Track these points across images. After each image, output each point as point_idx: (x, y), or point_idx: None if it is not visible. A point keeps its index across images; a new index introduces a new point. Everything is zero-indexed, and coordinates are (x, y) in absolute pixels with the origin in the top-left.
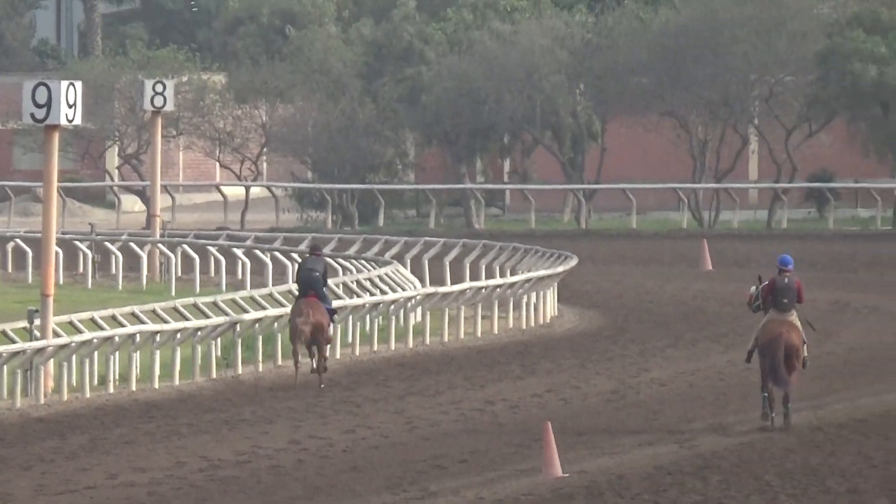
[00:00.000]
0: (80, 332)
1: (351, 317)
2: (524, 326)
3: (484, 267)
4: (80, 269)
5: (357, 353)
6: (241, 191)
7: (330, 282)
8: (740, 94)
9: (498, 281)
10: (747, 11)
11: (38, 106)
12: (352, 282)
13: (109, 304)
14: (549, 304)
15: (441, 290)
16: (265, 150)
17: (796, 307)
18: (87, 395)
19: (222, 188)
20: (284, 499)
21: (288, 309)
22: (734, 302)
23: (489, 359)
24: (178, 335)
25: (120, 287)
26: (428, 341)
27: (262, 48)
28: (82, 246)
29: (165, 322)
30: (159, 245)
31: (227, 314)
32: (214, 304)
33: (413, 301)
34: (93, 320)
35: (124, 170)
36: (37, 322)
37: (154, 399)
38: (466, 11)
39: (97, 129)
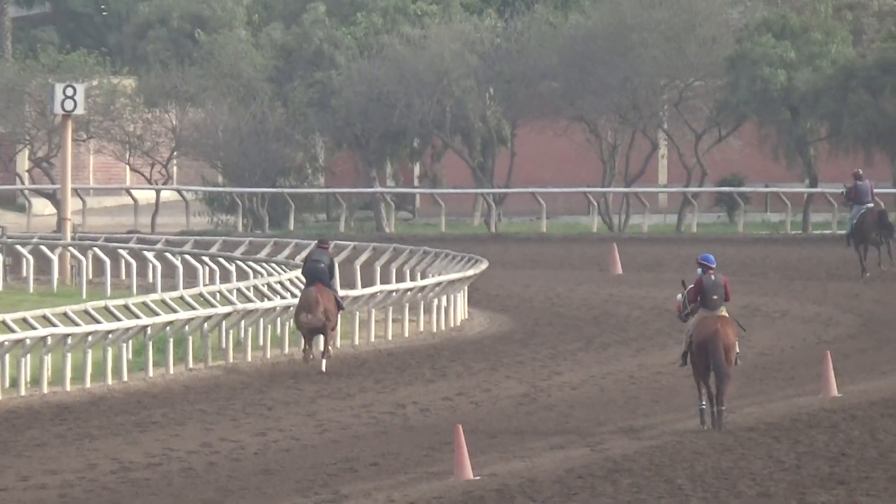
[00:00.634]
0: None
1: (262, 320)
2: (435, 330)
3: (394, 270)
4: None
5: (268, 355)
6: (151, 194)
7: (240, 285)
8: (650, 98)
9: (408, 284)
10: (656, 16)
11: None
12: (263, 285)
13: (20, 307)
14: (460, 308)
15: (352, 293)
16: (175, 153)
17: (724, 305)
18: None
19: (133, 192)
20: (196, 501)
21: (198, 311)
22: (644, 306)
23: (400, 362)
24: (90, 338)
25: (31, 290)
26: (339, 344)
27: (172, 52)
28: None
29: (77, 325)
30: (70, 248)
31: (138, 317)
32: (125, 307)
33: None
34: (3, 323)
35: (35, 173)
36: None
37: (65, 402)
38: (376, 16)
39: (7, 133)
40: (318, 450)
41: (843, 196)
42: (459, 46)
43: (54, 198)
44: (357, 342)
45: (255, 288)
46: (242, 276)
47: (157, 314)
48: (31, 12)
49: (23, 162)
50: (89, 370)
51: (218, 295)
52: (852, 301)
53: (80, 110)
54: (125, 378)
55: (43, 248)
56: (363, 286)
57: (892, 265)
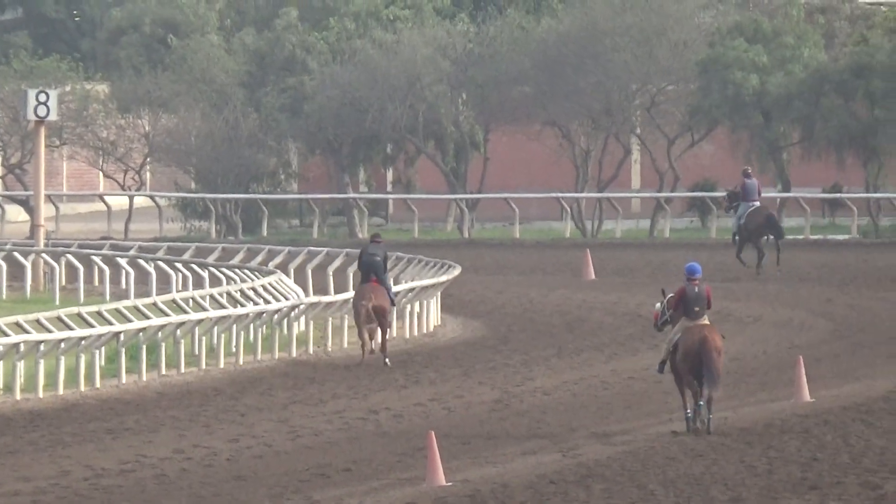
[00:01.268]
0: None
1: (235, 326)
2: (408, 336)
3: None
4: None
5: (241, 362)
6: (124, 200)
7: (213, 291)
8: (622, 103)
9: None
10: (628, 20)
11: None
12: (236, 291)
13: None
14: (433, 314)
15: (325, 299)
16: (148, 159)
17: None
18: None
19: (106, 198)
20: None
21: (172, 318)
22: (617, 312)
23: (373, 368)
24: (63, 344)
25: (4, 296)
26: (311, 350)
27: (144, 58)
28: None
29: (50, 331)
30: (43, 255)
31: (111, 323)
32: (98, 313)
33: (297, 310)
34: None
35: (8, 179)
36: None
37: (38, 408)
38: (348, 21)
39: None
40: (290, 456)
41: (725, 200)
42: (432, 51)
43: (27, 204)
44: (330, 348)
45: (229, 294)
46: (215, 282)
47: (130, 321)
48: (4, 17)
49: None
50: (62, 377)
51: (191, 301)
52: (825, 306)
53: (53, 116)
54: (98, 385)
55: (16, 254)
56: (336, 292)
57: (778, 269)
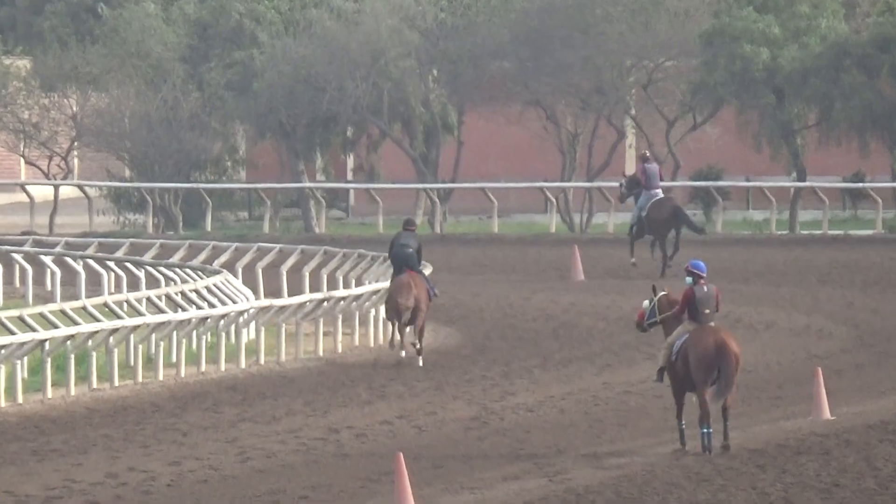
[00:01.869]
0: None
1: (176, 333)
2: (372, 344)
3: (325, 277)
4: None
5: (183, 374)
6: (49, 190)
7: (151, 293)
8: (615, 80)
9: (342, 292)
10: None
11: None
12: (176, 293)
13: None
14: None
15: (277, 302)
16: (76, 144)
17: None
18: None
19: (28, 188)
20: None
21: (103, 324)
22: (610, 317)
23: (332, 381)
24: None
25: None
26: (263, 361)
27: (71, 29)
28: None
29: None
30: None
31: (34, 330)
32: (20, 318)
33: (245, 315)
34: None
35: None
36: None
37: None
38: None
39: None
40: (239, 481)
41: (621, 187)
42: (398, 21)
43: None
44: (284, 358)
45: (168, 297)
46: (153, 283)
47: (56, 327)
48: None
49: None
50: None
51: (125, 305)
52: (846, 311)
53: None
54: (20, 400)
55: None
56: (290, 295)
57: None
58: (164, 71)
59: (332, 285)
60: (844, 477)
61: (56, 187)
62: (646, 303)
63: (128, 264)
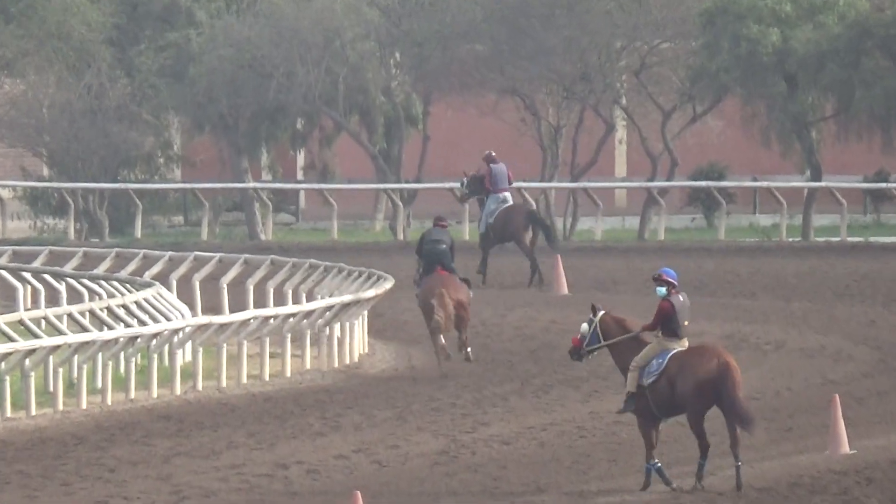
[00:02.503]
0: None
1: (101, 355)
2: (325, 367)
3: (272, 290)
4: None
5: (109, 401)
6: None
7: (72, 309)
8: (603, 65)
9: (290, 308)
10: None
11: None
12: (102, 309)
13: None
14: (358, 339)
15: (217, 320)
16: None
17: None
18: None
19: None
20: None
21: (18, 343)
22: None
23: (280, 409)
24: None
25: None
26: (200, 387)
27: None
28: None
29: None
30: None
31: None
32: None
33: (181, 334)
34: None
35: None
36: None
37: None
38: None
39: None
40: None
41: (461, 189)
42: None
43: None
44: (224, 384)
45: (92, 313)
46: (75, 297)
47: None
48: None
49: None
50: None
51: (43, 322)
52: (867, 329)
53: None
54: None
55: None
56: (231, 311)
57: (543, 285)
58: (88, 55)
59: (280, 300)
60: None
61: None
62: (584, 326)
63: (46, 276)
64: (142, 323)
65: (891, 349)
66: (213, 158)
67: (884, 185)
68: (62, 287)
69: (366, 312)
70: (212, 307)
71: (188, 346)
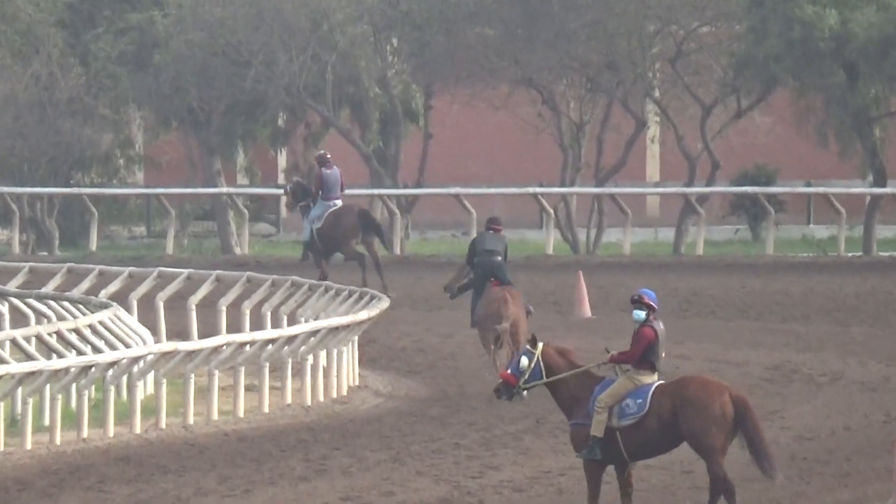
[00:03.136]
0: None
1: (50, 387)
2: (309, 402)
3: (248, 312)
4: None
5: (58, 441)
6: None
7: (16, 334)
8: (633, 53)
9: (269, 333)
10: None
11: None
12: (50, 333)
13: None
14: (347, 369)
15: (184, 346)
16: None
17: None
18: None
19: None
20: None
21: None
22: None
23: (257, 451)
24: None
25: None
26: (164, 424)
27: None
28: None
29: None
30: None
31: None
32: None
33: (142, 363)
34: None
35: None
36: None
37: None
38: None
39: None
40: None
41: (287, 195)
42: None
43: None
44: (192, 421)
45: (40, 338)
46: (20, 320)
47: None
48: None
49: None
50: None
51: None
52: None
53: None
54: None
55: None
56: (201, 336)
57: (385, 285)
58: (37, 39)
59: (258, 323)
60: None
61: None
62: (524, 360)
63: None
64: (97, 350)
65: None
66: (181, 159)
67: None
68: (5, 308)
69: (356, 338)
70: (178, 331)
71: (150, 376)
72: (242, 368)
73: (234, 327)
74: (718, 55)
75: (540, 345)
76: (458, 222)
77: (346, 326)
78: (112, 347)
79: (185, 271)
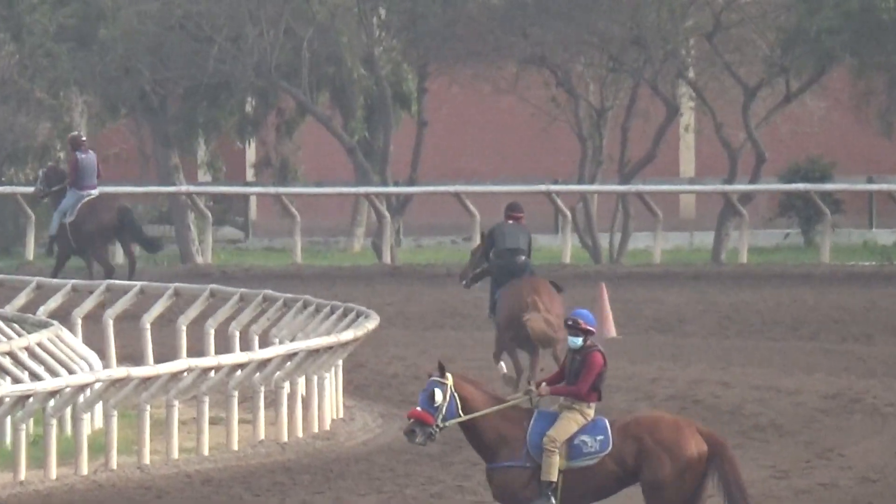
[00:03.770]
0: None
1: None
2: (286, 438)
3: (213, 332)
4: None
5: None
6: None
7: None
8: (663, 26)
9: (238, 357)
10: None
11: None
12: None
13: None
14: (330, 399)
15: (137, 372)
16: None
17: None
18: None
19: None
20: None
21: None
22: (658, 394)
23: (225, 495)
24: None
25: None
26: (115, 464)
27: None
28: None
29: None
30: None
31: None
32: None
33: (89, 391)
34: None
35: None
36: None
37: None
38: None
39: None
40: None
41: (38, 183)
42: None
43: None
44: (147, 460)
45: None
46: None
47: None
48: None
49: None
50: None
51: None
52: None
53: None
54: None
55: None
56: (157, 360)
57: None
58: None
59: (224, 346)
60: None
61: None
62: (438, 392)
63: None
64: (35, 377)
65: None
66: (132, 151)
67: None
68: None
69: (341, 362)
70: (130, 355)
71: (98, 407)
72: (207, 398)
73: (197, 350)
74: (764, 29)
75: (449, 376)
76: (459, 226)
77: (329, 349)
78: (53, 373)
79: (138, 284)
